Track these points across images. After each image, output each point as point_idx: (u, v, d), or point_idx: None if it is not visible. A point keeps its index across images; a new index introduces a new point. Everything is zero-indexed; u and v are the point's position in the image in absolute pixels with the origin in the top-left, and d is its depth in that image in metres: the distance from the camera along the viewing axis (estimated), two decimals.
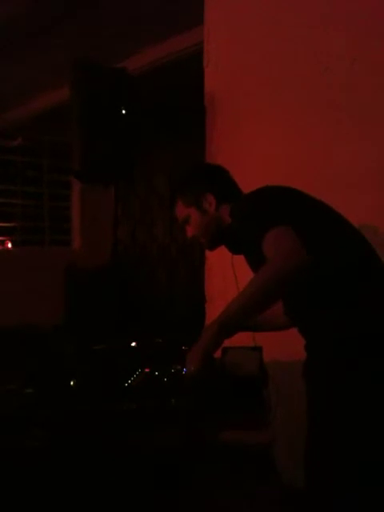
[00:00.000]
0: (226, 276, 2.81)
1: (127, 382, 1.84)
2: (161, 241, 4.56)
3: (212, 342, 1.53)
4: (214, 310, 2.99)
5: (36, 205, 5.28)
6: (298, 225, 1.52)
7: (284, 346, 2.10)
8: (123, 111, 3.13)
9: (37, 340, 3.05)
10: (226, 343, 1.57)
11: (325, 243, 1.58)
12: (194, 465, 1.91)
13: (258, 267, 1.62)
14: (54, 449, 1.82)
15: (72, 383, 1.87)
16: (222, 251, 1.96)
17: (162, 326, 3.87)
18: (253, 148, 2.92)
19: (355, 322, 1.53)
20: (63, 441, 1.83)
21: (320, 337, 1.61)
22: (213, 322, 1.53)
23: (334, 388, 1.53)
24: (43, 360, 2.25)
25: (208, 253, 3.18)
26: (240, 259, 1.85)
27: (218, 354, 1.65)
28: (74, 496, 1.82)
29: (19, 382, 2.01)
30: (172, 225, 4.40)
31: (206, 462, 1.94)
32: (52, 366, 2.14)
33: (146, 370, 1.87)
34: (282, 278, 1.46)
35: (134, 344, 2.10)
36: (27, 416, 1.87)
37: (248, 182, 1.87)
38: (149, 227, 4.68)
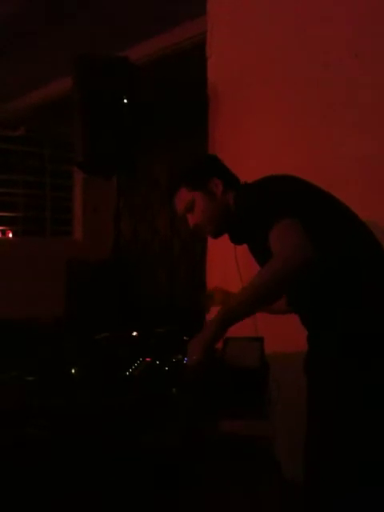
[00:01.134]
0: (227, 270, 2.80)
1: (128, 372, 1.84)
2: (163, 234, 4.55)
3: (214, 334, 1.53)
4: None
5: (37, 195, 5.27)
6: (305, 218, 1.50)
7: (285, 337, 2.10)
8: (125, 100, 3.11)
9: (38, 331, 3.05)
10: (228, 331, 1.57)
11: (331, 238, 1.56)
12: (194, 464, 1.91)
13: (262, 258, 1.61)
14: (53, 441, 1.82)
15: (73, 371, 1.87)
16: (223, 245, 1.95)
17: (163, 319, 3.87)
18: (255, 139, 2.91)
19: (359, 319, 1.51)
20: (63, 432, 1.83)
21: (323, 332, 1.59)
22: (219, 312, 1.53)
23: (336, 386, 1.51)
24: (44, 352, 2.25)
25: (209, 246, 3.17)
26: (242, 250, 1.84)
27: (219, 344, 1.65)
28: (73, 491, 1.82)
29: (20, 373, 2.01)
30: (174, 218, 4.40)
31: (206, 459, 1.93)
32: (53, 357, 2.13)
33: (147, 360, 1.87)
34: (287, 274, 1.45)
35: (135, 334, 2.09)
36: (27, 406, 1.87)
37: (250, 174, 1.86)
38: (151, 220, 4.67)
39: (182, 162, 2.09)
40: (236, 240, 1.84)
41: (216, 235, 1.87)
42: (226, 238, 1.89)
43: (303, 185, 1.69)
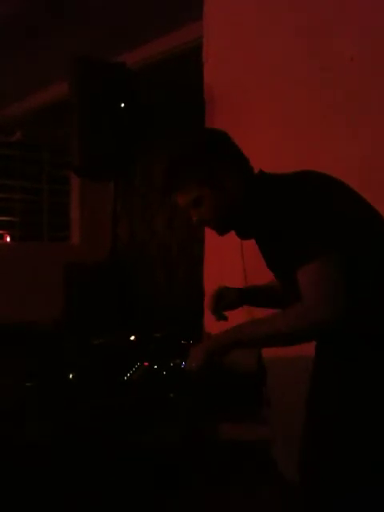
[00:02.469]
0: (224, 272, 2.80)
1: (126, 376, 1.84)
2: (160, 237, 4.55)
3: (220, 349, 1.53)
4: None
5: (35, 200, 5.27)
6: (343, 249, 1.41)
7: None
8: (122, 104, 3.12)
9: (36, 336, 3.05)
10: None
11: (367, 273, 1.46)
12: (194, 464, 1.91)
13: (269, 256, 1.58)
14: (53, 445, 1.82)
15: (71, 376, 1.87)
16: (221, 247, 1.94)
17: (161, 321, 3.86)
18: (252, 142, 2.91)
19: (369, 326, 1.47)
20: (63, 436, 1.83)
21: (331, 338, 1.54)
22: (228, 331, 1.52)
23: (339, 387, 1.50)
24: (43, 356, 2.25)
25: (207, 247, 3.17)
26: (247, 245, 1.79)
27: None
28: (74, 491, 1.82)
29: (19, 377, 2.01)
30: (172, 221, 4.39)
31: (206, 460, 1.94)
32: (52, 361, 2.14)
33: (145, 364, 1.87)
34: (314, 331, 1.42)
35: (132, 338, 2.09)
36: (27, 410, 1.87)
37: None
38: (148, 223, 4.68)
39: (180, 145, 1.71)
40: (244, 235, 1.70)
41: (224, 232, 1.67)
42: (223, 238, 1.77)
43: (344, 197, 1.54)
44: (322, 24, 2.68)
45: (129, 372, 1.84)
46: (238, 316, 1.78)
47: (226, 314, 1.83)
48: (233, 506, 1.98)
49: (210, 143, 1.63)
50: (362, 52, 2.55)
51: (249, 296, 1.86)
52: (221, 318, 1.82)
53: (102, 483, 1.84)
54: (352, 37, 2.57)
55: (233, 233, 1.70)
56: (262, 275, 1.76)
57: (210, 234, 2.94)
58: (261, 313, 1.95)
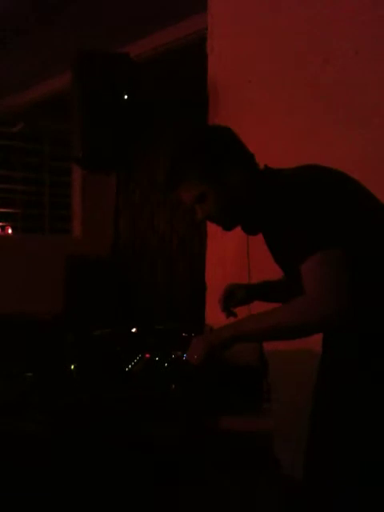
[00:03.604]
0: (226, 265, 2.80)
1: (127, 368, 1.84)
2: (161, 231, 4.55)
3: (220, 344, 1.52)
4: (214, 299, 2.99)
5: (37, 191, 5.26)
6: (349, 244, 1.40)
7: None
8: (125, 96, 3.11)
9: (36, 328, 3.06)
10: None
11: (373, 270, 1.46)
12: (194, 460, 1.91)
13: (277, 252, 1.58)
14: (53, 437, 1.82)
15: (72, 367, 1.87)
16: (222, 240, 1.93)
17: (162, 315, 3.87)
18: (255, 136, 2.89)
19: (370, 325, 1.46)
20: (63, 429, 1.83)
21: (340, 335, 1.54)
22: (229, 325, 1.52)
23: (343, 391, 1.49)
24: (43, 348, 2.25)
25: (208, 242, 3.17)
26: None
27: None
28: (73, 486, 1.82)
29: (19, 370, 2.01)
30: (173, 216, 4.39)
31: (206, 455, 1.93)
32: (52, 354, 2.14)
33: (146, 356, 1.87)
34: (317, 326, 1.41)
35: (134, 330, 2.10)
36: (26, 403, 1.87)
37: None
38: (149, 217, 4.67)
39: (181, 142, 1.70)
40: (250, 231, 1.69)
41: (230, 227, 1.67)
42: (225, 233, 1.74)
43: (353, 192, 1.54)
44: (326, 18, 2.66)
45: (130, 364, 1.84)
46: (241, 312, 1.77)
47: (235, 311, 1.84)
48: (233, 504, 1.98)
49: (211, 143, 1.63)
50: (366, 45, 2.53)
51: (258, 292, 1.87)
52: (230, 315, 1.83)
53: (102, 479, 1.83)
54: (356, 30, 2.56)
55: (235, 228, 1.69)
56: (267, 271, 1.75)
57: (212, 229, 2.94)
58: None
